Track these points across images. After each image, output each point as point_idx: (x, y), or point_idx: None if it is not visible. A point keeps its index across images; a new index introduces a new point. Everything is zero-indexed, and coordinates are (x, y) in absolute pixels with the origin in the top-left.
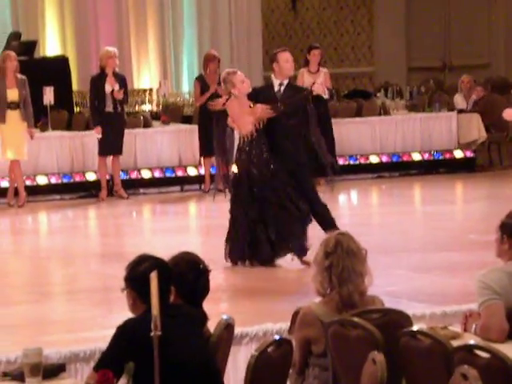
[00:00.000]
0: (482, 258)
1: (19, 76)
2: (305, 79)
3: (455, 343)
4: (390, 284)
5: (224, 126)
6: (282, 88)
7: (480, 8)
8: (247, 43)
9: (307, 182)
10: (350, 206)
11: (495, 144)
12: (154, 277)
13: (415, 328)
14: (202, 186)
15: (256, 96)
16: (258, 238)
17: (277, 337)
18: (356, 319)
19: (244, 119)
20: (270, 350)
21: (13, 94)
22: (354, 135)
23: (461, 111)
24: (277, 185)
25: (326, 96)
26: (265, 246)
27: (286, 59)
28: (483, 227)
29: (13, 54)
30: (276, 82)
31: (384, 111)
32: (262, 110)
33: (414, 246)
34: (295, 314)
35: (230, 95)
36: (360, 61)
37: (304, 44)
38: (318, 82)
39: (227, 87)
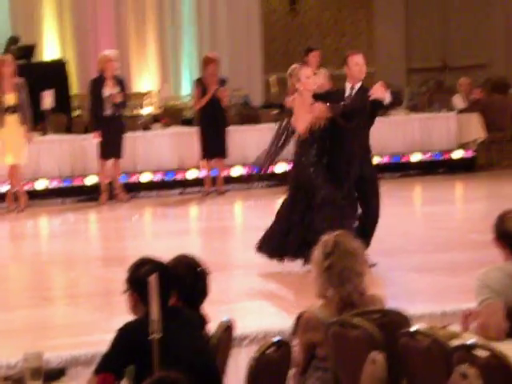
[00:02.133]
0: (483, 257)
1: (16, 80)
2: None
3: (454, 343)
4: (389, 285)
5: (287, 124)
6: (353, 92)
7: (479, 8)
8: (247, 45)
9: (371, 189)
10: None
11: (495, 143)
12: (153, 280)
13: (414, 328)
14: (202, 189)
15: (326, 97)
16: (295, 236)
17: (276, 338)
18: (356, 320)
19: (302, 116)
20: (269, 351)
21: (10, 99)
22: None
23: (460, 111)
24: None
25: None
26: (296, 239)
27: (355, 62)
28: (483, 227)
29: (9, 58)
30: (348, 86)
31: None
32: (320, 109)
33: (415, 247)
34: (299, 318)
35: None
36: None
37: (304, 46)
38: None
39: (292, 81)
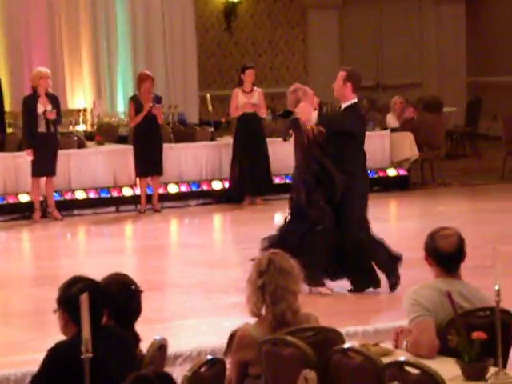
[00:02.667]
0: (416, 275)
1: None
2: (239, 99)
3: (386, 360)
4: (324, 302)
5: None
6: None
7: (412, 28)
8: (182, 63)
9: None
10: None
11: (428, 162)
12: (84, 299)
13: (347, 345)
14: (138, 207)
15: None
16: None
17: (210, 357)
18: (289, 337)
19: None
20: (203, 369)
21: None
22: (290, 154)
23: (393, 130)
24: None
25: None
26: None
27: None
28: (416, 245)
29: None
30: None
31: None
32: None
33: None
34: (232, 336)
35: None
36: (295, 80)
37: (239, 64)
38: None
39: (297, 94)
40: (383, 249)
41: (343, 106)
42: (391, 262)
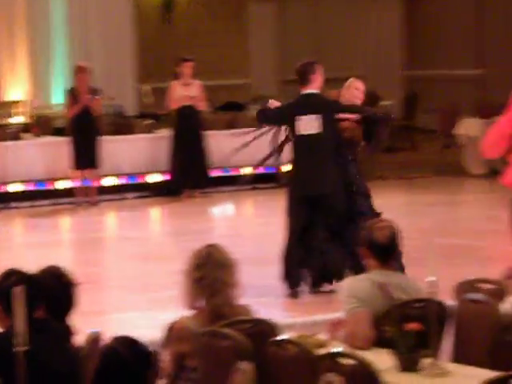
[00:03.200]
0: None
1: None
2: (177, 92)
3: (322, 351)
4: (263, 294)
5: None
6: None
7: (350, 21)
8: (120, 55)
9: None
10: (225, 217)
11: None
12: (18, 292)
13: (282, 337)
14: (75, 199)
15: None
16: None
17: None
18: (225, 330)
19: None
20: None
21: None
22: (228, 147)
23: None
24: None
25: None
26: None
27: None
28: None
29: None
30: None
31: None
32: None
33: None
34: (169, 329)
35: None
36: (234, 73)
37: (178, 56)
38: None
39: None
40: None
41: None
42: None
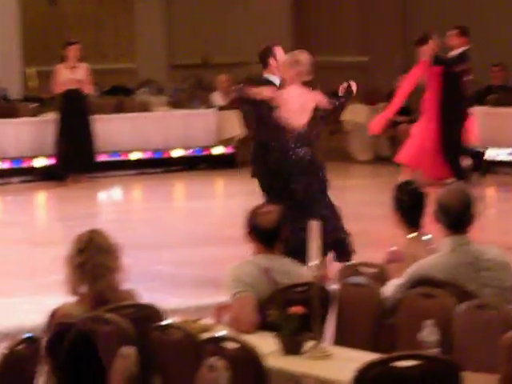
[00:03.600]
0: (240, 251)
1: None
2: (63, 75)
3: (206, 335)
4: (149, 279)
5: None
6: None
7: (237, 7)
8: (4, 37)
9: None
10: (112, 202)
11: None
12: None
13: (166, 322)
14: None
15: None
16: None
17: (27, 335)
18: (107, 315)
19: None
20: (19, 348)
21: None
22: (116, 131)
23: (220, 108)
24: None
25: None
26: None
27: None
28: (241, 222)
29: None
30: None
31: (145, 108)
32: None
33: (176, 241)
34: (51, 315)
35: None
36: (121, 57)
37: (64, 38)
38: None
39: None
40: None
41: None
42: None
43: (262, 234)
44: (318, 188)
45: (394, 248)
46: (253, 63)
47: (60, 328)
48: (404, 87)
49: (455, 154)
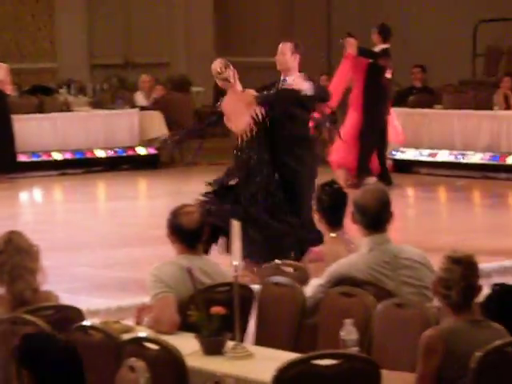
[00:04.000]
0: (162, 252)
1: None
2: None
3: (127, 336)
4: (70, 281)
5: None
6: (282, 84)
7: (160, 6)
8: None
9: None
10: (33, 203)
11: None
12: None
13: (86, 323)
14: None
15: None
16: None
17: None
18: (27, 316)
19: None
20: None
21: None
22: (36, 131)
23: (143, 109)
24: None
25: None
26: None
27: (280, 51)
28: (163, 223)
29: None
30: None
31: (67, 107)
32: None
33: (98, 243)
34: None
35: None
36: (42, 56)
37: None
38: None
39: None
40: None
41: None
42: None
43: (185, 235)
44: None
45: (316, 248)
46: (174, 64)
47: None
48: (336, 82)
49: (369, 149)
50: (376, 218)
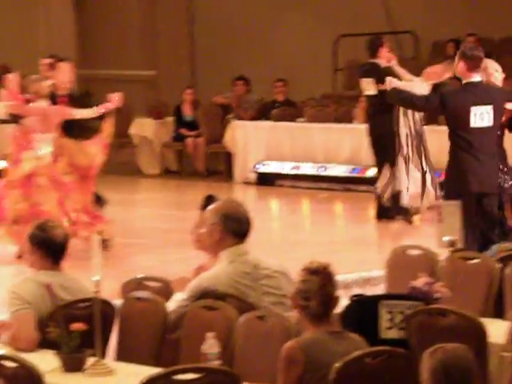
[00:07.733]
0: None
1: None
2: None
3: None
4: None
5: None
6: None
7: (21, 16)
8: None
9: None
10: None
11: None
12: None
13: None
14: None
15: None
16: None
17: None
18: None
19: None
20: None
21: None
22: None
23: None
24: None
25: None
26: None
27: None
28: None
29: None
30: None
31: None
32: None
33: None
34: None
35: None
36: None
37: None
38: None
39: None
40: None
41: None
42: None
43: (54, 248)
44: None
45: (202, 263)
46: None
47: None
48: None
49: None
50: (245, 229)
